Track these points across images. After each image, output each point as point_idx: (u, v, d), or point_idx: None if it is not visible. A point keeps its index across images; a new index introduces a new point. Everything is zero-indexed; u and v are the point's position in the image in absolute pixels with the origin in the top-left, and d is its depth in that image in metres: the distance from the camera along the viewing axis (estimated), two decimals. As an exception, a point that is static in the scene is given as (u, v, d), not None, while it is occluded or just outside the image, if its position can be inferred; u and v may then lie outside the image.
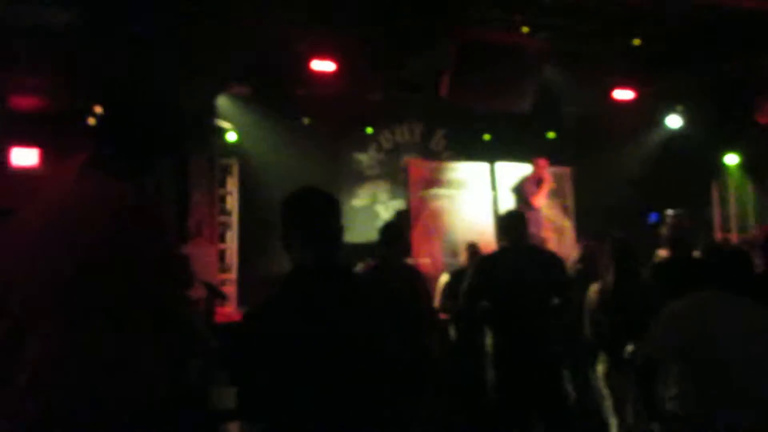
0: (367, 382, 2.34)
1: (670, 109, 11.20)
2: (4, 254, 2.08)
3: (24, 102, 8.57)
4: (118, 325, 1.98)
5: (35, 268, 1.99)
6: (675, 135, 11.33)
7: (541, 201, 9.70)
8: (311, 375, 2.28)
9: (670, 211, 10.42)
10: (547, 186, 9.77)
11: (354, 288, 2.55)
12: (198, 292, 7.89)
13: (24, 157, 9.04)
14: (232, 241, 9.87)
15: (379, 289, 2.77)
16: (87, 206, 2.07)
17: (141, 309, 2.03)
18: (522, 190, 9.75)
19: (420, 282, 5.65)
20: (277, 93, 9.99)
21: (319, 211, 2.55)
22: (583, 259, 6.47)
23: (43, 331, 1.92)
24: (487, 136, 11.49)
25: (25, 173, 8.94)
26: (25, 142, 8.98)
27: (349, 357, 2.33)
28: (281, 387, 2.28)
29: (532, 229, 9.25)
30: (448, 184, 10.21)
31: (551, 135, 11.72)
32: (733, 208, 11.62)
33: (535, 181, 9.72)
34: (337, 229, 2.56)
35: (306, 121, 10.49)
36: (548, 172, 9.84)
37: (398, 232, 5.67)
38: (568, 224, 10.64)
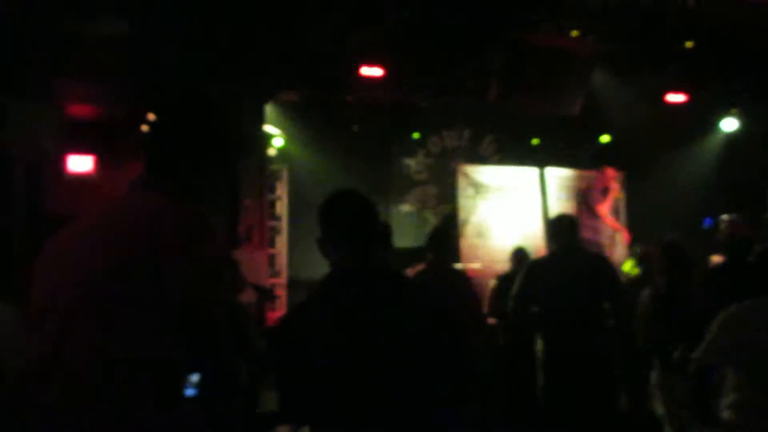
0: (404, 384, 2.34)
1: (726, 112, 11.01)
2: (50, 262, 2.12)
3: (80, 110, 8.78)
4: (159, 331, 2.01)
5: (71, 275, 2.03)
6: (731, 138, 11.13)
7: (605, 210, 9.62)
8: (346, 378, 2.30)
9: (724, 216, 10.28)
10: (613, 195, 9.71)
11: (392, 289, 2.55)
12: (249, 296, 8.02)
13: (80, 164, 9.27)
14: (281, 246, 9.99)
15: (418, 291, 2.78)
16: (127, 220, 2.10)
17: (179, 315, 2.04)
18: (587, 197, 9.69)
19: (468, 286, 5.66)
20: (326, 99, 10.08)
21: (355, 214, 2.58)
22: (641, 263, 6.40)
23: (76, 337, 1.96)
24: (535, 141, 11.41)
25: (81, 180, 9.17)
26: (81, 149, 9.20)
27: (385, 359, 2.33)
28: (318, 390, 2.30)
29: (591, 236, 9.21)
30: (497, 188, 10.17)
31: (604, 139, 11.56)
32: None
33: (601, 189, 9.73)
34: (373, 232, 2.59)
35: (354, 127, 10.54)
36: (616, 181, 9.75)
37: (446, 237, 5.69)
38: (620, 230, 10.50)
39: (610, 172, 9.73)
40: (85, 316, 1.95)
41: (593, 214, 9.39)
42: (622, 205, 10.70)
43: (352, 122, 10.56)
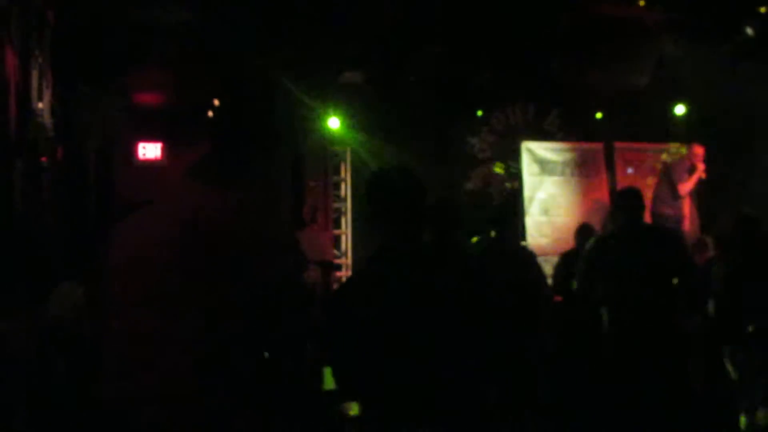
0: (449, 360, 2.34)
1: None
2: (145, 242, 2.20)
3: (148, 98, 9.01)
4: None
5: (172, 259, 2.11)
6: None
7: (687, 189, 9.33)
8: (393, 353, 2.31)
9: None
10: (698, 175, 9.34)
11: (439, 266, 2.55)
12: (315, 275, 8.14)
13: (149, 150, 9.52)
14: (346, 227, 10.08)
15: (465, 267, 2.76)
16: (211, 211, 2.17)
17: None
18: (670, 176, 9.40)
19: (533, 263, 5.64)
20: (388, 78, 10.08)
21: (401, 190, 2.57)
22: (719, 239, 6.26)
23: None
24: (599, 114, 11.17)
25: (150, 166, 9.43)
26: (150, 136, 9.45)
27: (431, 335, 2.34)
28: (367, 365, 2.32)
29: (671, 212, 8.96)
30: (563, 164, 10.05)
31: (680, 112, 11.24)
32: None
33: (687, 168, 9.36)
34: (420, 207, 2.58)
35: (417, 105, 10.51)
36: (703, 160, 9.42)
37: (510, 215, 5.67)
38: (688, 203, 10.25)
39: (698, 149, 9.35)
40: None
41: (676, 194, 9.11)
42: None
43: (414, 101, 10.54)
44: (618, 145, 10.41)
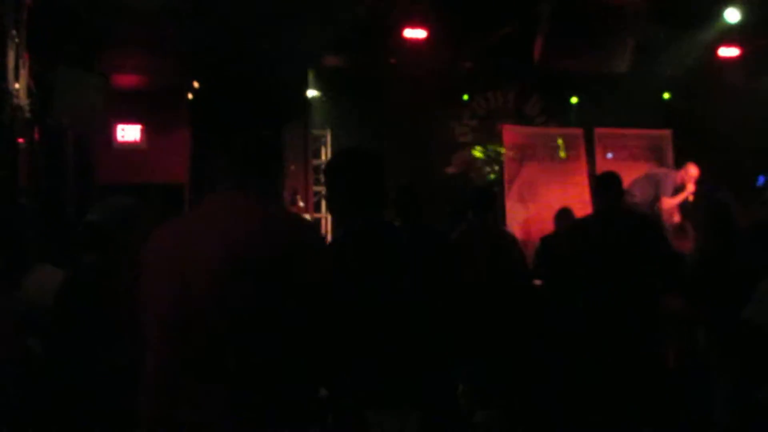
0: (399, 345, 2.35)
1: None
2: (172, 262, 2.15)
3: (126, 80, 8.92)
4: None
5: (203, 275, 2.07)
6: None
7: (671, 204, 8.93)
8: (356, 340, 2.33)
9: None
10: (686, 194, 8.96)
11: (394, 251, 2.56)
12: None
13: (127, 133, 9.45)
14: (326, 212, 10.07)
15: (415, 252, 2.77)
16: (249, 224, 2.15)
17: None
18: (659, 183, 9.07)
19: (513, 248, 5.65)
20: (369, 62, 10.06)
21: (361, 173, 2.57)
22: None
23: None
24: (574, 99, 11.22)
25: (128, 149, 9.35)
26: (128, 119, 9.37)
27: (385, 321, 2.36)
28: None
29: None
30: (544, 149, 10.08)
31: (665, 96, 11.30)
32: None
33: (677, 185, 9.02)
34: (380, 189, 2.60)
35: (398, 89, 10.50)
36: (695, 182, 9.04)
37: (491, 199, 5.67)
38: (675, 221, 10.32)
39: (693, 169, 9.02)
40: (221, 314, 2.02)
41: (654, 202, 8.86)
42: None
43: (396, 85, 10.52)
44: (598, 130, 10.45)
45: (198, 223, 2.22)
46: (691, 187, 8.91)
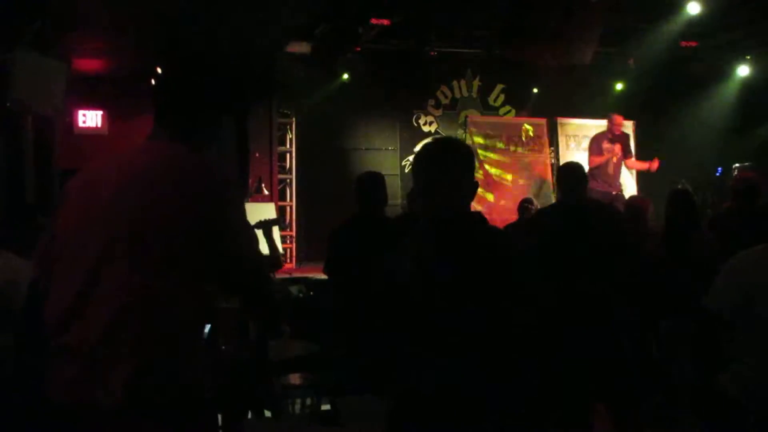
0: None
1: (741, 59, 10.87)
2: (82, 205, 2.16)
3: (87, 65, 8.79)
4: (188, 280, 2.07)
5: (107, 223, 2.07)
6: (745, 85, 11.01)
7: (596, 162, 9.03)
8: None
9: (736, 165, 10.24)
10: (621, 143, 9.14)
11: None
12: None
13: (88, 119, 9.32)
14: (291, 199, 10.04)
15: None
16: (159, 169, 2.15)
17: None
18: (590, 148, 9.30)
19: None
20: (335, 50, 10.01)
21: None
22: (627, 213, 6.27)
23: (116, 277, 2.02)
24: (535, 89, 11.31)
25: (89, 134, 9.22)
26: (90, 104, 9.24)
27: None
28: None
29: (601, 187, 8.94)
30: (508, 139, 10.15)
31: (618, 88, 11.45)
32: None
33: (607, 138, 9.19)
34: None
35: (363, 78, 10.49)
36: (626, 128, 9.30)
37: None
38: (629, 178, 10.48)
39: (617, 118, 9.25)
40: (126, 260, 2.02)
41: (596, 166, 9.04)
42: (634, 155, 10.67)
43: (361, 74, 10.50)
44: (561, 120, 10.55)
45: (108, 163, 2.25)
46: (621, 133, 9.12)
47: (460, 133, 10.54)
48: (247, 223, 2.33)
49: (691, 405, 4.56)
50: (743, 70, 10.88)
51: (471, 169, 2.58)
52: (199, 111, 2.33)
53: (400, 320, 2.43)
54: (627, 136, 9.33)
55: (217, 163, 2.25)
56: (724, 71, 11.03)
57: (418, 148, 11.10)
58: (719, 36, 9.79)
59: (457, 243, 2.45)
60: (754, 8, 8.76)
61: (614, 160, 9.15)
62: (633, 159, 9.58)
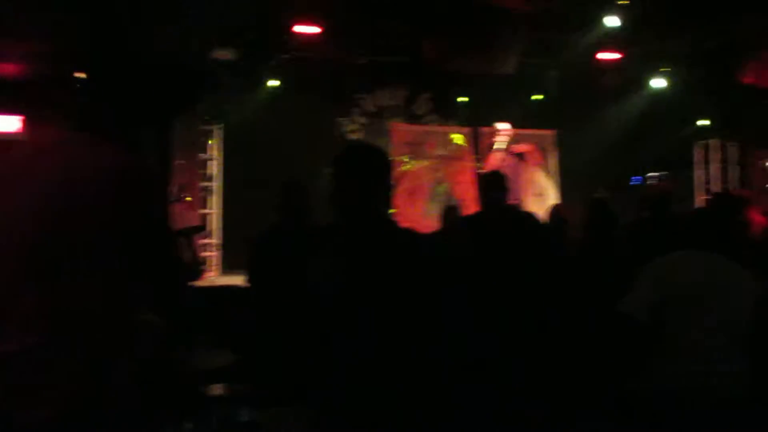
0: None
1: (656, 72, 11.24)
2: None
3: (6, 68, 8.53)
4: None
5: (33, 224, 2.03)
6: (660, 97, 11.37)
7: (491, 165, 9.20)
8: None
9: (651, 174, 10.58)
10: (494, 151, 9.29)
11: None
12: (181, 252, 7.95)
13: (7, 124, 9.04)
14: (214, 207, 9.90)
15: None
16: (82, 168, 2.11)
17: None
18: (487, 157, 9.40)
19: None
20: (260, 57, 9.97)
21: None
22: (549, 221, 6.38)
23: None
24: (462, 99, 11.46)
25: (8, 140, 8.94)
26: (8, 109, 8.96)
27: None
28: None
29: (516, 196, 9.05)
30: (432, 147, 10.24)
31: (538, 97, 11.69)
32: (715, 170, 11.74)
33: (488, 146, 9.37)
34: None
35: (289, 85, 10.45)
36: (504, 137, 9.41)
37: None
38: (551, 188, 10.70)
39: (499, 125, 9.48)
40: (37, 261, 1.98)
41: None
42: (554, 163, 10.91)
43: (287, 81, 10.46)
44: (486, 129, 10.71)
45: (27, 167, 2.23)
46: (493, 141, 9.25)
47: (385, 142, 10.57)
48: (169, 226, 2.30)
49: (607, 406, 4.68)
50: (659, 82, 11.24)
51: (382, 174, 2.58)
52: (122, 115, 2.30)
53: (317, 328, 2.43)
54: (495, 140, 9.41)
55: (140, 165, 2.22)
56: (640, 82, 11.37)
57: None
58: (636, 48, 10.08)
59: (369, 248, 2.47)
60: (668, 22, 9.06)
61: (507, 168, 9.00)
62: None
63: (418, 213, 9.75)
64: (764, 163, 11.79)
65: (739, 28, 9.06)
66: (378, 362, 2.36)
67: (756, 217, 6.41)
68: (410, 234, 2.63)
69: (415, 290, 2.41)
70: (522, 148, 9.18)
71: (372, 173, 2.52)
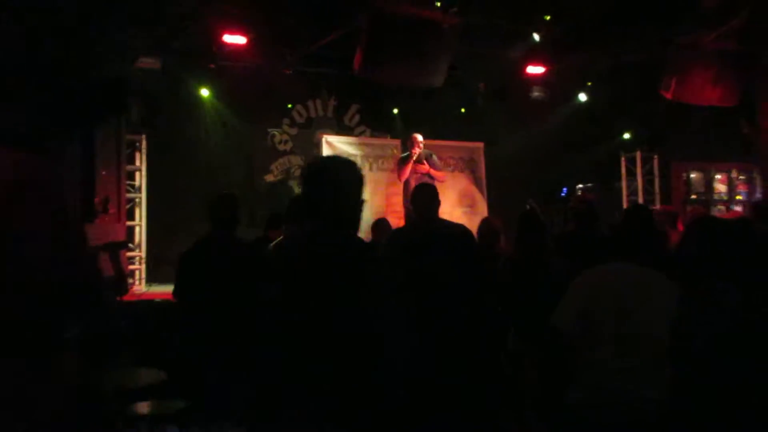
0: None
1: (581, 86, 11.50)
2: None
3: None
4: None
5: None
6: (585, 110, 11.62)
7: (404, 176, 9.06)
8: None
9: (579, 185, 10.80)
10: (427, 162, 9.05)
11: None
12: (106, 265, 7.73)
13: None
14: (140, 219, 9.69)
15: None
16: None
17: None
18: (397, 169, 9.23)
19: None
20: (188, 66, 9.83)
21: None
22: (481, 234, 6.38)
23: None
24: (395, 111, 11.53)
25: None
26: None
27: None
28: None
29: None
30: (362, 159, 10.23)
31: (467, 110, 11.86)
32: (640, 182, 12.02)
33: (411, 158, 9.10)
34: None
35: (217, 95, 10.33)
36: (421, 146, 9.11)
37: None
38: (480, 199, 10.82)
39: (415, 137, 9.13)
40: None
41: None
42: (483, 174, 11.02)
43: (215, 90, 10.34)
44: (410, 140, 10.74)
45: None
46: (414, 151, 9.03)
47: (314, 153, 10.53)
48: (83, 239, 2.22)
49: (539, 418, 4.72)
50: (583, 96, 11.52)
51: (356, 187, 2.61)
52: (39, 125, 2.22)
53: (259, 346, 2.39)
54: (430, 154, 9.23)
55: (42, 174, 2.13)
56: (566, 95, 11.61)
57: (277, 167, 11.07)
58: (562, 63, 10.29)
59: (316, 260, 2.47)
60: (593, 38, 9.29)
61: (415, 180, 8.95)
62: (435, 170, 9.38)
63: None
64: (686, 176, 12.17)
65: (660, 43, 9.34)
66: (320, 379, 2.34)
67: (681, 229, 6.56)
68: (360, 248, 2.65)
69: (357, 308, 2.41)
70: (437, 174, 9.03)
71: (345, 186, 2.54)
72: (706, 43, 9.13)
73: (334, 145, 10.21)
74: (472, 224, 7.11)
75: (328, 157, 2.73)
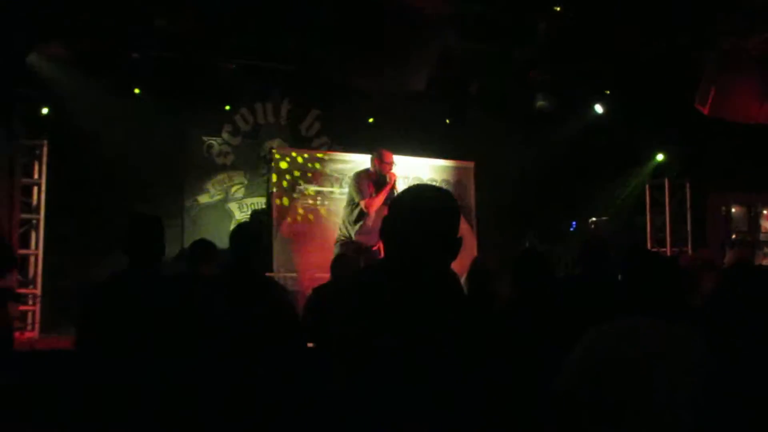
0: None
1: (597, 95, 11.53)
2: None
3: None
4: None
5: None
6: (601, 125, 11.64)
7: (374, 205, 8.84)
8: None
9: (592, 219, 10.85)
10: (389, 188, 8.85)
11: None
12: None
13: None
14: (37, 246, 9.57)
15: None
16: None
17: None
18: (356, 188, 8.97)
19: (279, 299, 5.65)
20: (106, 56, 9.76)
21: None
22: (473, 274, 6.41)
23: None
24: (371, 119, 11.54)
25: None
26: None
27: None
28: None
29: (362, 237, 8.81)
30: (323, 178, 10.24)
31: (453, 122, 11.90)
32: (668, 217, 12.01)
33: (374, 179, 8.97)
34: None
35: (139, 92, 10.25)
36: (394, 169, 9.01)
37: (256, 238, 5.65)
38: (469, 233, 10.85)
39: (388, 155, 8.94)
40: None
41: (362, 212, 8.87)
42: (472, 200, 11.06)
43: (139, 86, 10.27)
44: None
45: None
46: (393, 176, 8.90)
47: (263, 169, 10.54)
48: None
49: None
50: (599, 108, 11.54)
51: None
52: None
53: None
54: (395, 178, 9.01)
55: None
56: (578, 106, 11.66)
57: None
58: (573, 67, 10.37)
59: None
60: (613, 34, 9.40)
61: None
62: None
63: (304, 261, 9.70)
64: (725, 210, 12.12)
65: (697, 46, 9.41)
66: None
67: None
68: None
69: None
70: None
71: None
72: (752, 48, 9.19)
73: (288, 160, 10.19)
74: (459, 266, 7.15)
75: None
